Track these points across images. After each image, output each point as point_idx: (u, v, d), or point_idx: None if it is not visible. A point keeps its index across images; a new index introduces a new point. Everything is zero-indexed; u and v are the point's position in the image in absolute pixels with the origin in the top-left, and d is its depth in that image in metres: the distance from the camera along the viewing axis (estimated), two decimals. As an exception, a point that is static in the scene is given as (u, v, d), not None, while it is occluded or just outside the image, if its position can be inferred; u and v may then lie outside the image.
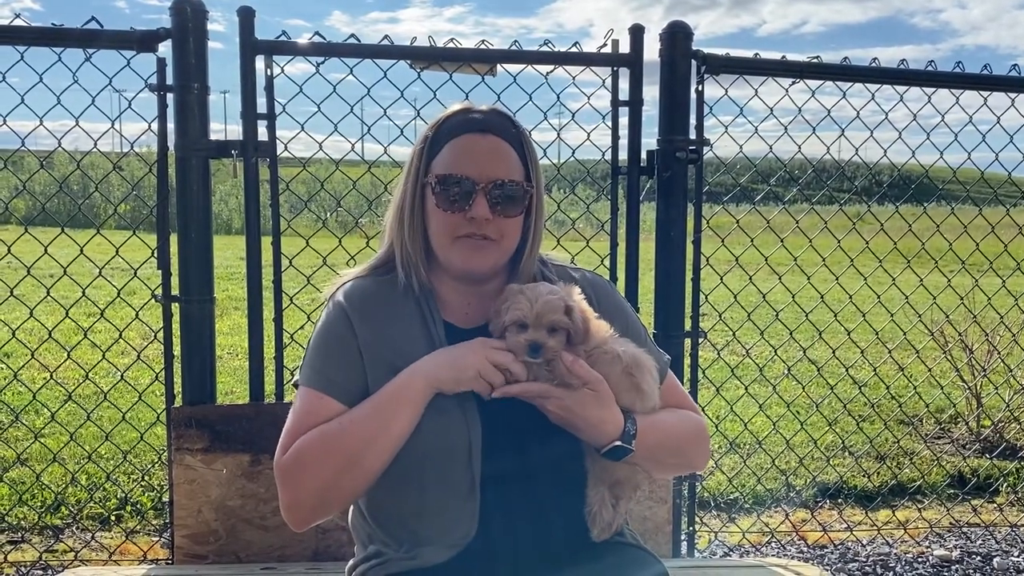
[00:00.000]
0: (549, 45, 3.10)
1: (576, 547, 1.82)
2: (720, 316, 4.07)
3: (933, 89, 3.67)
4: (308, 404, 1.77)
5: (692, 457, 1.94)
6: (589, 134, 3.44)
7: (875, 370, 4.88)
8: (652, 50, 3.13)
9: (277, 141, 2.94)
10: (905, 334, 4.53)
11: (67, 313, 3.53)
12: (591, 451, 1.78)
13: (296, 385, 1.86)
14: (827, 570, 3.88)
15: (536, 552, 1.77)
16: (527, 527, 1.77)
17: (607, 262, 3.22)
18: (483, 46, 3.07)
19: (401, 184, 1.86)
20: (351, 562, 1.93)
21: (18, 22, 2.87)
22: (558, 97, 3.36)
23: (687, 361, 3.26)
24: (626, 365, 1.79)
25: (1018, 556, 4.07)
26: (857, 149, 3.84)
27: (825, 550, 4.10)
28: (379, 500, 1.81)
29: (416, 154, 1.83)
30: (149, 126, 2.96)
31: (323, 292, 1.96)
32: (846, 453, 5.16)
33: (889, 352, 4.61)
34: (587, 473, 1.82)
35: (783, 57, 3.41)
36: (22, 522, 4.05)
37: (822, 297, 4.05)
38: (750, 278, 3.83)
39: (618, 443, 1.73)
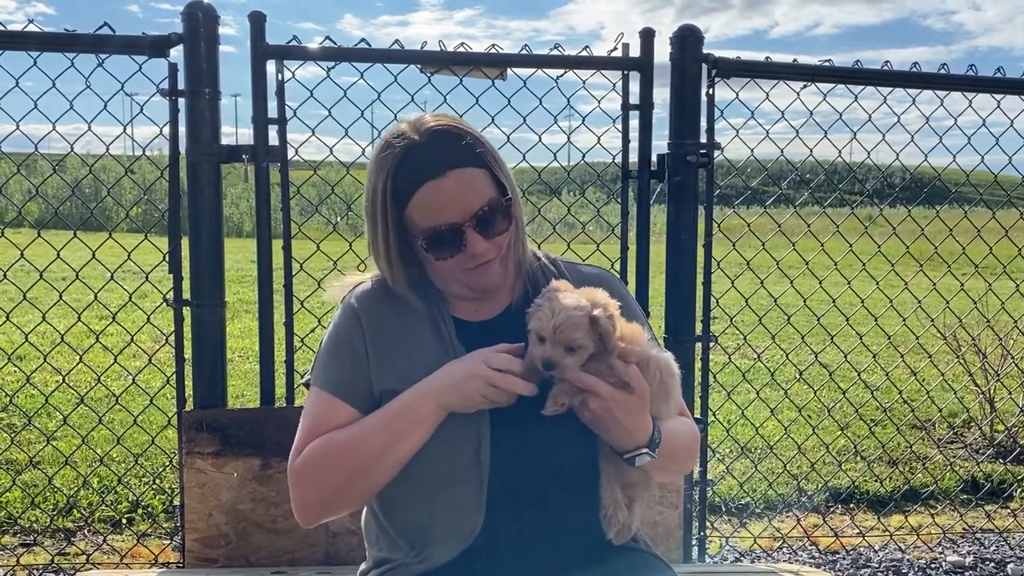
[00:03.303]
0: (559, 49, 3.10)
1: (585, 549, 1.81)
2: (731, 319, 4.05)
3: (945, 92, 3.64)
4: (320, 407, 1.81)
5: (688, 465, 1.96)
6: (600, 137, 3.44)
7: (887, 374, 4.85)
8: (663, 53, 3.13)
9: (288, 145, 2.95)
10: (918, 338, 4.49)
11: (79, 317, 3.55)
12: (608, 452, 1.77)
13: (307, 385, 1.88)
14: (839, 576, 3.86)
15: (544, 554, 1.77)
16: (535, 527, 1.77)
17: (617, 265, 3.21)
18: (493, 50, 3.07)
19: (369, 223, 1.80)
20: (361, 567, 1.93)
21: (31, 28, 2.88)
22: (568, 101, 3.37)
23: (698, 364, 3.25)
24: (663, 374, 1.78)
25: (1033, 562, 4.04)
26: (869, 152, 3.82)
27: (837, 556, 4.07)
28: (389, 496, 1.81)
29: (379, 194, 1.76)
30: (161, 131, 2.97)
31: (327, 292, 1.97)
32: (858, 458, 5.13)
33: (902, 356, 4.58)
34: (599, 474, 1.80)
35: (794, 60, 3.40)
36: (34, 525, 4.06)
37: (834, 301, 4.03)
38: (761, 281, 3.81)
39: (645, 450, 1.72)
